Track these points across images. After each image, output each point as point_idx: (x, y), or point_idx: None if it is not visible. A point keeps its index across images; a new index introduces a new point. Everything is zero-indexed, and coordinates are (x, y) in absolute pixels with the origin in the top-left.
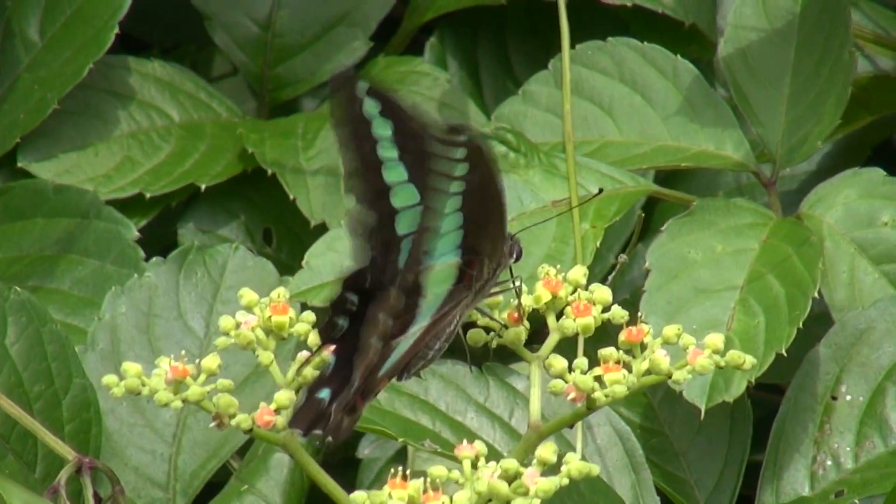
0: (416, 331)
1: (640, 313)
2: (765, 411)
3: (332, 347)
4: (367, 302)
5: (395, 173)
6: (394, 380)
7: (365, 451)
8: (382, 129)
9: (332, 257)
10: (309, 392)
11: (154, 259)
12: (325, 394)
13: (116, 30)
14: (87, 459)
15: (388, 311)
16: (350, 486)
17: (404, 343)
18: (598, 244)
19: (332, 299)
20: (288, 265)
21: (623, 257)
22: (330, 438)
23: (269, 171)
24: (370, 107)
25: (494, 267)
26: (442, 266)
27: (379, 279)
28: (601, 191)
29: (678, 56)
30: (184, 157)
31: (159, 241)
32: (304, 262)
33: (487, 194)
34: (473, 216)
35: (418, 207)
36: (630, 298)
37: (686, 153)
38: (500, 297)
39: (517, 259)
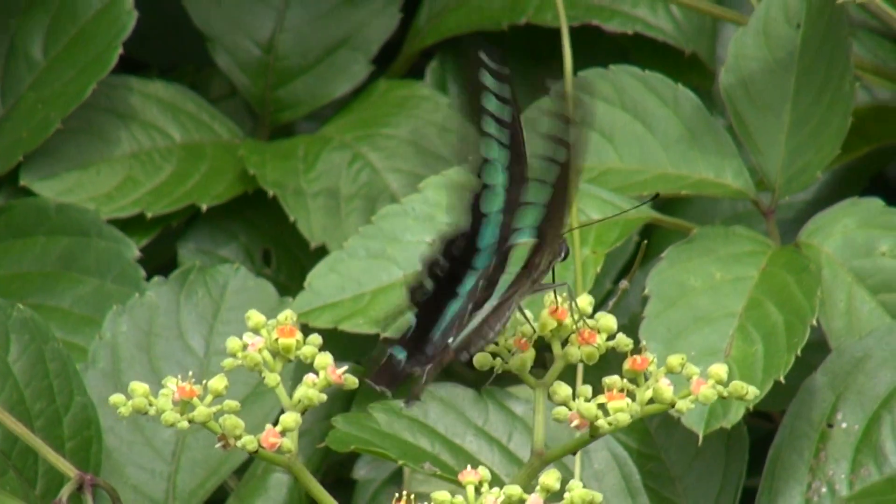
0: (488, 308)
1: (640, 340)
2: (759, 437)
3: (415, 309)
4: (454, 270)
5: (492, 149)
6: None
7: (361, 472)
8: (490, 103)
9: (334, 279)
10: (389, 350)
11: (155, 278)
12: (402, 355)
13: (120, 50)
14: (88, 476)
15: (486, 279)
16: None
17: (478, 317)
18: (598, 270)
19: (427, 260)
20: (286, 287)
21: (625, 283)
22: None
23: (271, 193)
24: (486, 79)
25: (549, 260)
26: (523, 244)
27: (467, 250)
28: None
29: (679, 84)
30: (185, 177)
31: (158, 261)
32: (306, 284)
33: (567, 183)
34: (554, 200)
35: (500, 188)
36: (628, 324)
37: (686, 181)
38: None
39: (564, 258)
